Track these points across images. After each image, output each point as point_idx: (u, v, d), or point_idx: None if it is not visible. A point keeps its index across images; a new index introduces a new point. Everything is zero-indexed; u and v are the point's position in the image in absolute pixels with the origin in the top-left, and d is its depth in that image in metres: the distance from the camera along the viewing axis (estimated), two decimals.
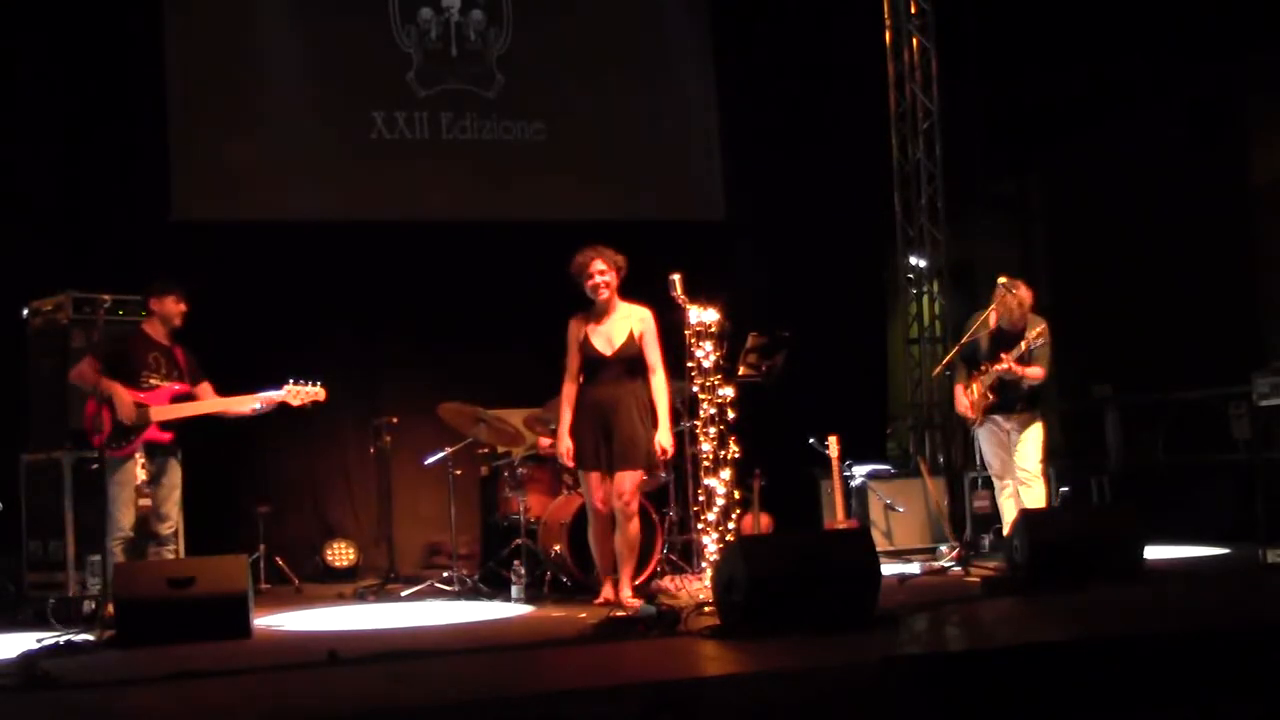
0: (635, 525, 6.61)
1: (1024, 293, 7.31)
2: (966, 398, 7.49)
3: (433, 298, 9.60)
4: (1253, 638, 4.58)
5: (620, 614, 5.97)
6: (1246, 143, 9.50)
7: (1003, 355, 7.20)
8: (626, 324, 6.62)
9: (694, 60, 10.52)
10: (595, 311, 6.66)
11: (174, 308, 6.88)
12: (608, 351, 6.59)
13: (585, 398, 6.63)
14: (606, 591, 6.66)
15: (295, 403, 6.89)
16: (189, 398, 6.83)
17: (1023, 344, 7.13)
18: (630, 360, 6.61)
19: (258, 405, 6.83)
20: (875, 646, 4.79)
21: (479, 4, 10.05)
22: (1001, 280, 7.33)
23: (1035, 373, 7.22)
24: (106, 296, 6.70)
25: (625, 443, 6.51)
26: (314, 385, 6.92)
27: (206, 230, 9.19)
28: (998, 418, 7.42)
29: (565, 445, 6.63)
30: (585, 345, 6.61)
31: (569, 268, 6.67)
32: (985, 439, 7.61)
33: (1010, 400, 7.35)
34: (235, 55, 9.53)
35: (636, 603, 6.41)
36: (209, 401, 6.87)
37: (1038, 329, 7.21)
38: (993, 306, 7.37)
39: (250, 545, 8.31)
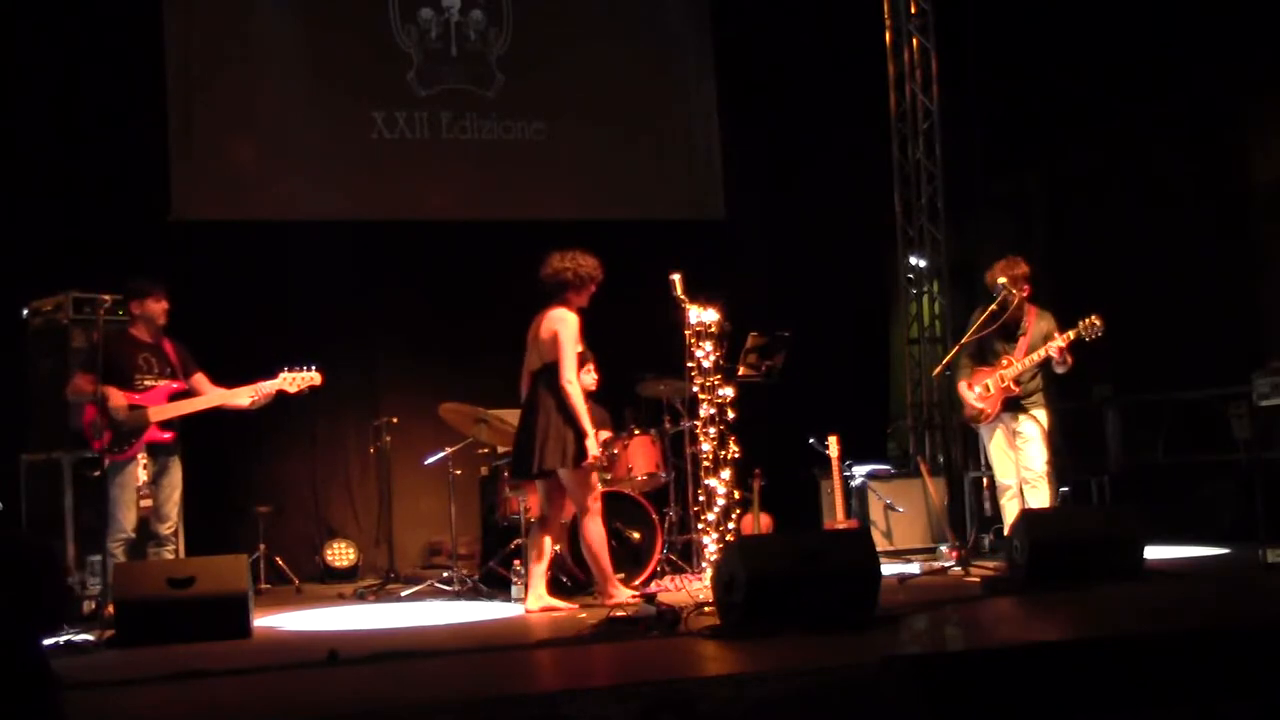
0: None
1: (1023, 267, 7.28)
2: (971, 392, 7.37)
3: (433, 297, 9.61)
4: (1253, 638, 4.58)
5: (620, 614, 5.97)
6: (1246, 143, 9.49)
7: (1057, 335, 7.09)
8: None
9: (694, 60, 10.53)
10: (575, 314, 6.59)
11: (157, 307, 6.84)
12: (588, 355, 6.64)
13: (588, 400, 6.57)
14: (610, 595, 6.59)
15: (292, 390, 6.85)
16: (187, 394, 6.82)
17: (1071, 333, 7.02)
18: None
19: (255, 396, 6.80)
20: (875, 646, 4.79)
21: (479, 4, 10.06)
22: (1005, 276, 7.27)
23: (1068, 360, 7.16)
24: (106, 296, 6.68)
25: None
26: (309, 370, 6.88)
27: (206, 230, 9.21)
28: (1005, 415, 7.33)
29: (598, 450, 6.45)
30: (584, 349, 6.55)
31: (582, 270, 6.52)
32: (990, 439, 7.50)
33: (1028, 392, 7.28)
34: (235, 55, 9.54)
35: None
36: (206, 397, 6.84)
37: (1050, 322, 7.19)
38: (999, 298, 7.28)
39: (250, 545, 8.32)
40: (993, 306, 7.34)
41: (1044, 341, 7.18)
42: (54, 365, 7.40)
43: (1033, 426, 7.26)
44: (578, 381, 6.46)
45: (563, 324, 6.46)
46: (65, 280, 7.66)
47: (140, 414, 6.63)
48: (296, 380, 6.85)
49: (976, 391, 7.37)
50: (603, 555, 6.55)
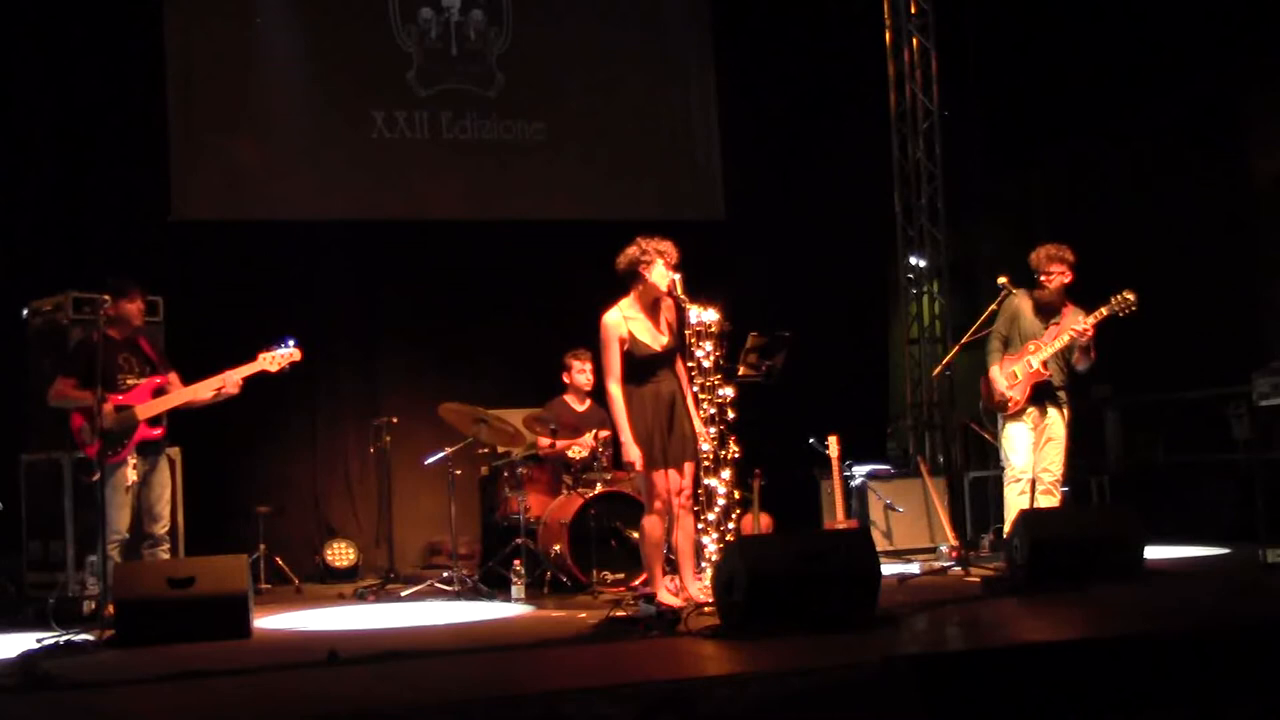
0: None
1: (1069, 254, 7.15)
2: (1007, 380, 7.14)
3: (433, 297, 9.61)
4: (1253, 638, 4.58)
5: (620, 614, 5.97)
6: (1246, 143, 9.49)
7: (1083, 318, 6.94)
8: (663, 316, 6.43)
9: (694, 60, 10.53)
10: (640, 305, 6.39)
11: (132, 308, 6.77)
12: (658, 346, 6.35)
13: (647, 394, 6.31)
14: (668, 591, 6.41)
15: (274, 369, 6.73)
16: (167, 389, 6.77)
17: (1104, 309, 6.85)
18: (674, 352, 6.43)
19: (238, 380, 6.68)
20: (875, 646, 4.79)
21: (479, 4, 10.06)
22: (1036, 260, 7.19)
23: (1092, 354, 7.06)
24: (107, 296, 6.65)
25: (684, 436, 6.35)
26: (287, 346, 6.77)
27: (206, 230, 9.21)
28: (1032, 408, 7.11)
29: (636, 453, 6.21)
30: (633, 342, 6.30)
31: (626, 255, 6.36)
32: (1013, 432, 7.23)
33: (1052, 390, 7.13)
34: (235, 55, 9.53)
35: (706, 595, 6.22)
36: (191, 387, 6.73)
37: (1083, 318, 7.04)
38: (1038, 287, 7.16)
39: (250, 545, 8.30)
40: (1015, 297, 7.25)
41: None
42: (54, 365, 7.38)
43: (1058, 426, 7.11)
44: (618, 384, 6.25)
45: (601, 327, 6.33)
46: (65, 280, 7.65)
47: (128, 414, 6.58)
48: (276, 359, 6.72)
49: (1007, 378, 7.21)
50: (649, 554, 6.38)
